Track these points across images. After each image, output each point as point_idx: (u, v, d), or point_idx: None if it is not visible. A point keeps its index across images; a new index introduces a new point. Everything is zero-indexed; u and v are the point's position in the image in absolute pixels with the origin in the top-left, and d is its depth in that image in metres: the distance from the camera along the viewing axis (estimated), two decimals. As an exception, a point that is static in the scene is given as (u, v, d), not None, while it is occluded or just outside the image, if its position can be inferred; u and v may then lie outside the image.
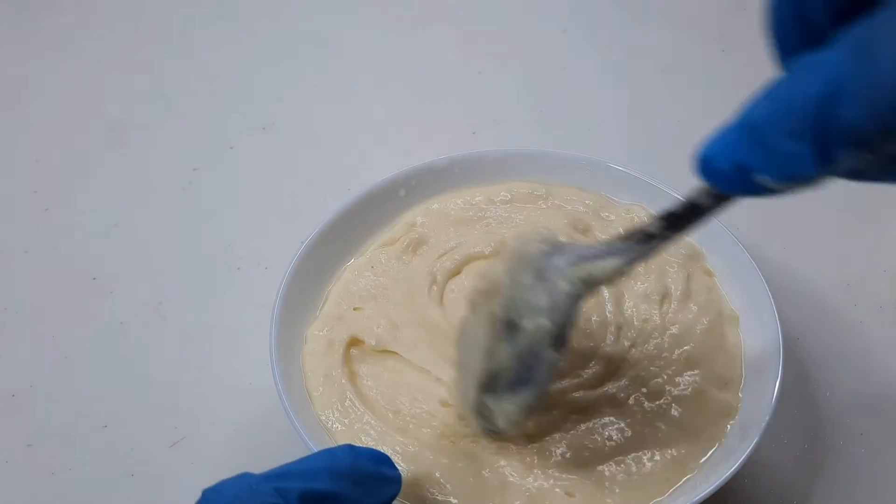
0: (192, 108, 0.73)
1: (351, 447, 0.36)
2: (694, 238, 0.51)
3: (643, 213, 0.53)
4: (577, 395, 0.44)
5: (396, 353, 0.47)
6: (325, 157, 0.68)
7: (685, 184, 0.54)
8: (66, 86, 0.75)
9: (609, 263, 0.35)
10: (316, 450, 0.40)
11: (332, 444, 0.43)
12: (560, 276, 0.35)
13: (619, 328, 0.47)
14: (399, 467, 0.38)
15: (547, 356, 0.36)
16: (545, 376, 0.38)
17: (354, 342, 0.48)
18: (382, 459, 0.37)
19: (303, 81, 0.75)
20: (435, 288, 0.49)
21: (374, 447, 0.42)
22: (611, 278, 0.35)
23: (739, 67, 0.75)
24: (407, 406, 0.45)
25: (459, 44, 0.79)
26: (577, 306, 0.36)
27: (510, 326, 0.37)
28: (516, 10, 0.82)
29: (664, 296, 0.48)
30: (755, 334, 0.47)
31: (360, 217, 0.53)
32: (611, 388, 0.44)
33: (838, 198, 0.63)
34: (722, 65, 0.75)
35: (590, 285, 0.35)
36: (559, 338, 0.36)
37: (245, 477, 0.33)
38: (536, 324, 0.35)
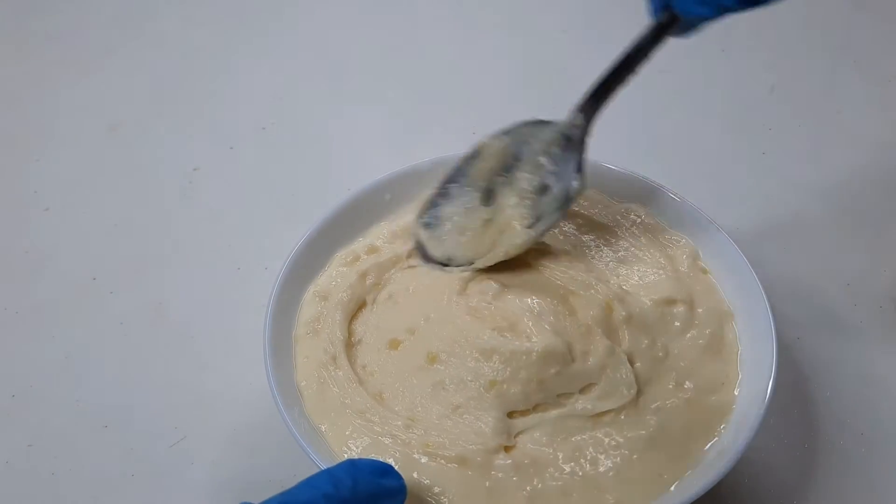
0: (192, 108, 0.73)
1: (351, 464, 0.36)
2: (690, 238, 0.51)
3: (642, 212, 0.53)
4: (572, 396, 0.44)
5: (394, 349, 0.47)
6: (325, 157, 0.68)
7: (685, 183, 0.54)
8: (66, 86, 0.75)
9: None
10: (314, 455, 0.40)
11: (324, 446, 0.43)
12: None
13: (618, 336, 0.47)
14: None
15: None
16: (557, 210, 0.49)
17: (349, 343, 0.48)
18: (385, 471, 0.36)
19: (303, 81, 0.75)
20: (458, 286, 0.48)
21: (366, 447, 0.42)
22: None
23: (739, 67, 0.75)
24: (398, 405, 0.44)
25: (459, 44, 0.79)
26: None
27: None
28: (516, 10, 0.82)
29: (668, 303, 0.48)
30: (751, 332, 0.47)
31: (356, 217, 0.52)
32: (606, 392, 0.44)
33: (838, 198, 0.63)
34: (722, 65, 0.75)
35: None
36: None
37: None
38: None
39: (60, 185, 0.66)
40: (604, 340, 0.45)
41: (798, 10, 0.80)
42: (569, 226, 0.53)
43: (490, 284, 0.48)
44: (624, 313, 0.47)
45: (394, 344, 0.47)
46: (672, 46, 0.47)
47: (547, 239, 0.51)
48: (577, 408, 0.43)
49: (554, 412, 0.44)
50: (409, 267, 0.51)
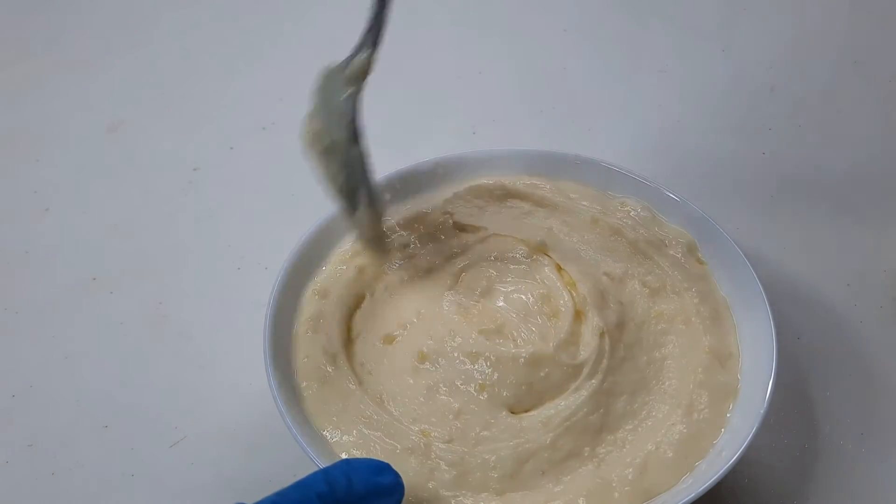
0: (192, 108, 0.73)
1: (346, 463, 0.36)
2: (688, 230, 0.51)
3: (637, 205, 0.53)
4: (576, 389, 0.44)
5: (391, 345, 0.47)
6: (325, 157, 0.68)
7: (684, 182, 0.54)
8: (66, 86, 0.75)
9: (361, 56, 0.47)
10: (314, 455, 0.40)
11: (325, 446, 0.43)
12: (335, 91, 0.47)
13: (619, 326, 0.47)
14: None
15: (354, 153, 0.46)
16: (364, 171, 0.47)
17: (348, 340, 0.48)
18: (381, 468, 0.36)
19: (303, 82, 0.75)
20: (449, 280, 0.49)
21: (359, 442, 0.42)
22: (368, 66, 0.47)
23: (739, 67, 0.75)
24: (398, 409, 0.44)
25: (459, 44, 0.79)
26: (355, 102, 0.47)
27: (329, 150, 0.47)
28: (516, 9, 0.82)
29: (659, 290, 0.49)
30: (751, 332, 0.47)
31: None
32: (607, 389, 0.45)
33: (838, 198, 0.63)
34: (722, 65, 0.75)
35: (356, 80, 0.47)
36: (353, 133, 0.46)
37: None
38: (335, 136, 0.46)
39: (60, 185, 0.66)
40: (594, 339, 0.45)
41: (798, 11, 0.80)
42: (560, 224, 0.53)
43: (479, 281, 0.48)
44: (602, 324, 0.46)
45: (388, 340, 0.47)
46: (672, 46, 0.47)
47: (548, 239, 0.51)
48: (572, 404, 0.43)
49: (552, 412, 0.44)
50: (408, 258, 0.51)
